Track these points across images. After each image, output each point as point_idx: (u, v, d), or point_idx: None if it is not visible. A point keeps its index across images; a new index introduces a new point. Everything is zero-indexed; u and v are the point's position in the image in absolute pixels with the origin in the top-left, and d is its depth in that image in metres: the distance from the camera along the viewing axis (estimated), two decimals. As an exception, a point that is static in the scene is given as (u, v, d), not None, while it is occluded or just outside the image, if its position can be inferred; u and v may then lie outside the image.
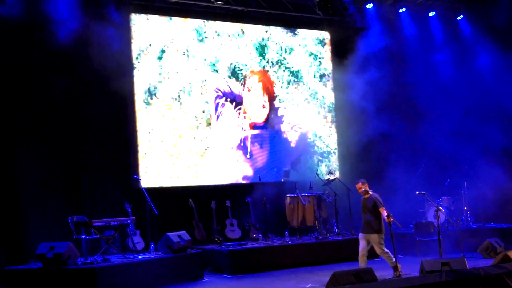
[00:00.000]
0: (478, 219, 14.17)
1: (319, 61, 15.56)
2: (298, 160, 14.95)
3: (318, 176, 13.72)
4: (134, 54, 12.97)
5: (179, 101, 13.44)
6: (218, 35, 14.14)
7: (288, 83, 15.10)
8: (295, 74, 15.27)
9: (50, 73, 11.69)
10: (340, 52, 15.22)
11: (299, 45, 15.29)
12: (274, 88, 14.92)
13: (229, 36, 14.29)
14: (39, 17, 11.18)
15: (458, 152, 14.07)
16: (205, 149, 13.68)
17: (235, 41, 14.38)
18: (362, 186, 9.99)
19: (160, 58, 13.27)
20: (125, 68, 12.68)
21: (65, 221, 10.82)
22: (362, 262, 9.85)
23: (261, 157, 14.57)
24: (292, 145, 15.09)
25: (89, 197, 12.09)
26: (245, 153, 14.26)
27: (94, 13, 11.92)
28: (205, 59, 13.87)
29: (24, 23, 11.16)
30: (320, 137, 15.52)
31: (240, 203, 13.31)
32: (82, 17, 11.62)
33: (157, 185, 12.87)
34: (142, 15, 13.15)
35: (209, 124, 13.79)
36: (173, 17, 13.52)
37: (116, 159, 12.56)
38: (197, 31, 13.84)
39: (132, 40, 12.99)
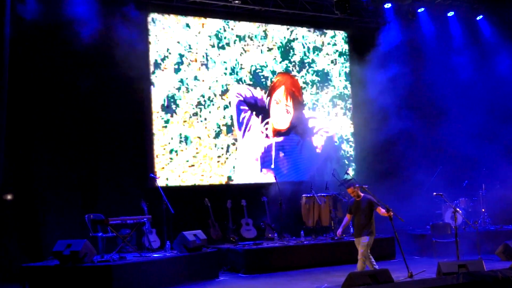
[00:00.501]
0: (496, 221, 14.03)
1: (344, 59, 15.42)
2: (324, 165, 14.72)
3: (334, 176, 13.67)
4: (152, 57, 12.98)
5: (199, 107, 13.39)
6: (240, 39, 14.08)
7: (312, 84, 14.94)
8: (322, 75, 15.10)
9: (69, 73, 11.84)
10: (358, 52, 15.15)
11: (328, 43, 15.19)
12: (300, 92, 14.76)
13: (251, 39, 14.24)
14: (57, 18, 11.29)
15: (476, 153, 13.96)
16: (227, 158, 13.62)
17: (258, 44, 14.32)
18: (355, 190, 9.69)
19: (179, 64, 13.25)
20: (144, 70, 12.77)
21: (82, 219, 10.92)
22: (370, 266, 9.59)
23: (285, 165, 14.40)
24: (318, 150, 14.89)
25: (106, 195, 12.18)
26: (269, 163, 14.12)
27: (114, 12, 11.98)
28: (225, 62, 13.82)
29: (42, 24, 11.26)
30: (346, 139, 15.38)
31: (255, 202, 13.30)
32: (101, 17, 11.70)
33: (173, 184, 12.90)
34: (160, 21, 13.13)
35: (231, 130, 13.71)
36: (191, 24, 13.46)
37: (133, 158, 12.64)
38: (216, 36, 13.78)
39: (150, 45, 12.96)
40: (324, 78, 15.15)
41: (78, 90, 11.91)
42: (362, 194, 9.73)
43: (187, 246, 10.69)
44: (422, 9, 15.09)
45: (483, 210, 13.98)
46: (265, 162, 14.09)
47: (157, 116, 12.93)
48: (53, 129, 11.78)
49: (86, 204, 11.81)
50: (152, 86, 12.90)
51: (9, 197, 11.30)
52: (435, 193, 11.21)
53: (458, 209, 11.12)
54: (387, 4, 14.68)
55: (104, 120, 12.36)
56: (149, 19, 13.04)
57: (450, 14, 15.47)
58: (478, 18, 15.59)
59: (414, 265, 11.58)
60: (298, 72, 14.82)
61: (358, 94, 15.23)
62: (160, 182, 12.10)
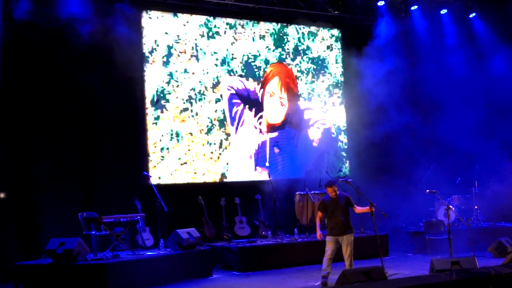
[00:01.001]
0: (489, 218, 14.09)
1: (340, 44, 15.13)
2: (321, 160, 14.43)
3: (328, 174, 13.66)
4: (145, 53, 12.85)
5: (189, 102, 13.16)
6: (230, 27, 13.74)
7: (308, 73, 14.60)
8: (317, 62, 14.76)
9: (64, 72, 11.81)
10: (351, 48, 15.08)
11: (323, 27, 14.91)
12: (295, 83, 14.38)
13: (243, 27, 13.88)
14: (50, 16, 11.22)
15: (470, 150, 14.01)
16: (220, 154, 13.44)
17: (249, 32, 13.96)
18: (335, 188, 9.50)
19: (168, 56, 12.98)
20: (138, 66, 12.65)
21: (76, 217, 10.90)
22: (328, 267, 9.47)
23: (281, 162, 14.12)
24: (315, 144, 14.58)
25: (100, 193, 12.15)
26: (263, 161, 13.87)
27: (108, 9, 11.92)
28: (215, 52, 13.46)
29: (35, 22, 11.15)
30: (344, 130, 15.13)
31: (249, 200, 13.28)
32: (95, 14, 11.65)
33: (167, 182, 12.87)
34: (148, 12, 12.88)
35: (223, 125, 13.47)
36: (178, 13, 13.17)
37: (128, 156, 12.60)
38: (206, 25, 13.42)
39: (144, 42, 12.79)
40: (320, 65, 14.81)
41: (73, 88, 11.89)
42: (338, 192, 9.62)
43: (180, 244, 10.68)
44: (415, 6, 15.13)
45: (476, 207, 14.04)
46: (259, 159, 13.94)
47: (146, 113, 12.72)
48: (49, 127, 11.74)
49: (80, 202, 11.78)
50: (145, 79, 12.70)
51: (2, 195, 11.26)
52: (428, 191, 11.25)
53: (451, 206, 11.15)
54: (380, 1, 14.69)
55: (98, 118, 12.33)
56: (143, 14, 12.78)
57: (443, 11, 15.53)
58: (471, 15, 15.65)
59: (407, 263, 11.69)
60: (293, 60, 14.49)
61: (351, 90, 15.13)
62: (153, 181, 12.06)
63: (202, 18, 13.48)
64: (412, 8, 15.10)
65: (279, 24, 14.54)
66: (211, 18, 13.59)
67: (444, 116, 14.60)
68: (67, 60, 11.81)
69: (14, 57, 11.20)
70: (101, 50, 11.87)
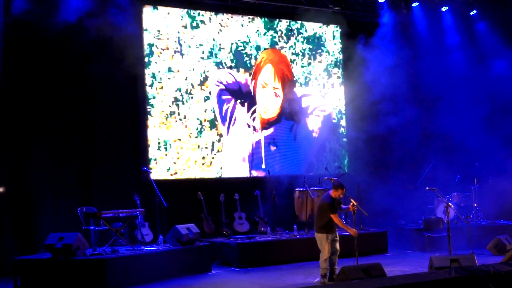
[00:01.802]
0: (488, 216, 14.10)
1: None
2: (323, 149, 13.88)
3: (328, 171, 13.65)
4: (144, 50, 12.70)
5: (176, 105, 12.61)
6: (216, 13, 12.92)
7: (304, 54, 13.77)
8: (313, 41, 13.90)
9: (63, 68, 11.80)
10: (352, 46, 15.04)
11: (326, 25, 14.27)
12: (289, 69, 13.59)
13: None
14: (49, 13, 11.20)
15: (470, 147, 14.00)
16: (212, 158, 12.99)
17: (237, 16, 13.15)
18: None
19: (149, 55, 12.44)
20: (137, 63, 12.56)
21: (75, 212, 10.89)
22: (327, 265, 9.44)
23: (278, 160, 13.65)
24: (315, 135, 13.91)
25: (100, 188, 12.13)
26: (258, 163, 13.45)
27: (106, 5, 11.87)
28: (201, 45, 12.73)
29: (33, 19, 11.16)
30: (345, 113, 14.40)
31: (248, 196, 13.27)
32: (94, 10, 11.60)
33: (166, 178, 12.84)
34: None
35: (214, 125, 12.93)
36: (158, 5, 12.57)
37: (127, 152, 12.58)
38: (188, 14, 12.50)
39: (143, 39, 12.55)
40: (316, 44, 14.04)
41: (72, 83, 11.88)
42: None
43: (180, 239, 10.68)
44: (416, 3, 15.12)
45: (475, 204, 14.04)
46: (254, 161, 13.49)
47: (147, 108, 12.48)
48: (48, 123, 11.72)
49: (79, 197, 11.78)
50: (144, 74, 12.43)
51: (1, 189, 11.25)
52: (427, 188, 11.24)
53: (450, 204, 11.16)
54: (381, -3, 14.70)
55: (98, 113, 12.30)
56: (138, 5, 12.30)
57: (444, 8, 15.53)
58: (472, 13, 15.65)
59: (406, 260, 11.69)
60: (286, 42, 13.76)
61: (350, 86, 15.01)
62: (152, 176, 12.02)
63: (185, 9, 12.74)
64: (413, 4, 15.08)
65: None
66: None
67: (445, 112, 14.58)
68: (66, 55, 11.79)
69: (12, 53, 11.17)
70: (100, 46, 11.81)
